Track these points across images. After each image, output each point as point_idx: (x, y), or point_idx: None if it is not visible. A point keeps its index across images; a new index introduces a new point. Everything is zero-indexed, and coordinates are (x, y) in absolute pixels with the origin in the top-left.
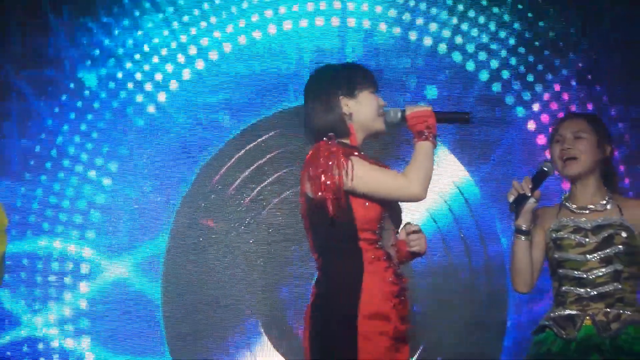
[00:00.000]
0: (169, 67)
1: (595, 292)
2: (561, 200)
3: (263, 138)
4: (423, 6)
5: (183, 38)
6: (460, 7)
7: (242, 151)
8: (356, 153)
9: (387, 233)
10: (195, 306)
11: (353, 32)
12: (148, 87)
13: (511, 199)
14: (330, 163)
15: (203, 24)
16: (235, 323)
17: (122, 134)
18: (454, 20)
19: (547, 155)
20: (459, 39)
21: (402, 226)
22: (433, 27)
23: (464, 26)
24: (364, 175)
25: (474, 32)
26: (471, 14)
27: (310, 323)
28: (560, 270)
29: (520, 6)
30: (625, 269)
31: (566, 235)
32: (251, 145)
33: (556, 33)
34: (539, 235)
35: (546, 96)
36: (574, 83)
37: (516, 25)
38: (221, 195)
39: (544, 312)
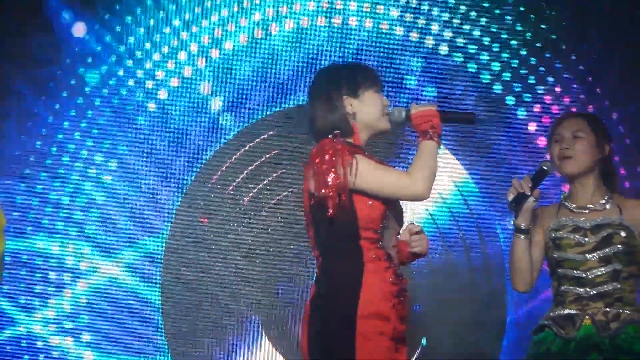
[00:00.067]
0: (170, 65)
1: (594, 292)
2: (560, 199)
3: (262, 137)
4: (425, 7)
5: (184, 35)
6: (462, 8)
7: (241, 151)
8: (360, 152)
9: (389, 233)
10: (194, 305)
11: (353, 32)
12: (149, 85)
13: (510, 197)
14: (335, 160)
15: (204, 22)
16: (235, 322)
17: (123, 132)
18: (456, 21)
19: (547, 155)
20: (460, 40)
21: (404, 227)
22: (434, 27)
23: (466, 27)
24: (368, 174)
25: (476, 33)
26: (473, 14)
27: (308, 322)
28: (560, 270)
29: (522, 8)
30: (624, 269)
31: (565, 235)
32: (250, 144)
33: (558, 35)
34: (539, 235)
35: (547, 98)
36: (574, 86)
37: (518, 27)
38: (220, 195)
39: (543, 312)
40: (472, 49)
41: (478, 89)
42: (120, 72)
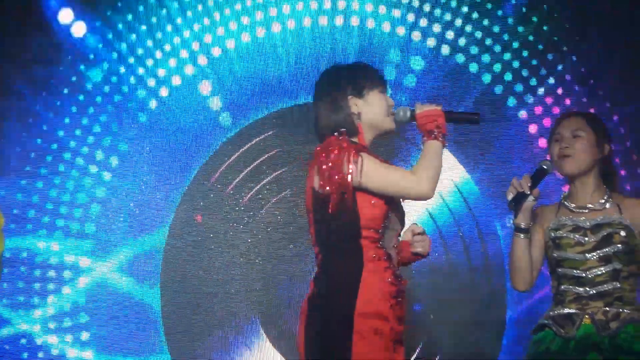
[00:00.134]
0: (171, 63)
1: (594, 291)
2: (560, 199)
3: (261, 137)
4: (427, 7)
5: (186, 34)
6: (464, 9)
7: (241, 150)
8: (366, 150)
9: (390, 234)
10: (193, 304)
11: (354, 32)
12: (149, 83)
13: (510, 197)
14: (340, 158)
15: (206, 20)
16: (234, 321)
17: (123, 130)
18: (458, 22)
19: (548, 156)
20: (462, 41)
21: (407, 227)
22: (436, 28)
23: (468, 28)
24: (373, 172)
25: (478, 34)
26: (475, 16)
27: (306, 319)
28: (560, 269)
29: (524, 9)
30: (624, 268)
31: (565, 234)
32: (250, 144)
33: (559, 36)
34: (538, 234)
35: (548, 99)
36: (576, 87)
37: (520, 29)
38: (220, 194)
39: (542, 311)
40: (474, 50)
41: (479, 89)
42: (122, 70)
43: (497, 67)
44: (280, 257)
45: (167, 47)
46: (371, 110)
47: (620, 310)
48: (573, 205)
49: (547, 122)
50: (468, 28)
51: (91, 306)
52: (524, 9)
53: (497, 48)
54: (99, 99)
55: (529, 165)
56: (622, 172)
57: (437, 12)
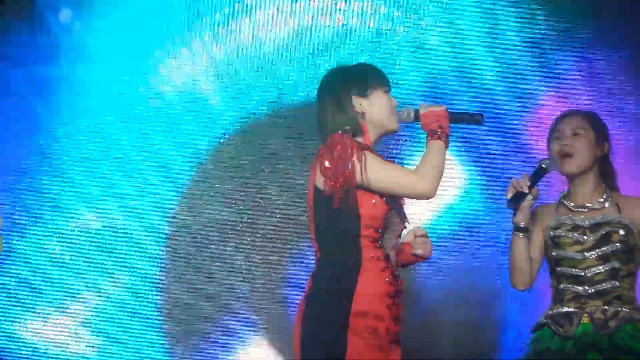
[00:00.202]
0: (165, 66)
1: (593, 290)
2: (559, 198)
3: (262, 136)
4: (426, 6)
5: (186, 32)
6: (464, 7)
7: (240, 149)
8: (369, 149)
9: (390, 234)
10: (192, 305)
11: (354, 32)
12: (148, 82)
13: (509, 196)
14: (344, 155)
15: (206, 19)
16: (233, 321)
17: (122, 129)
18: (458, 20)
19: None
20: (461, 39)
21: (410, 229)
22: (438, 28)
23: (468, 25)
24: (377, 170)
25: (478, 31)
26: (475, 13)
27: (302, 316)
28: (559, 268)
29: (526, 9)
30: (623, 267)
31: (564, 233)
32: (250, 143)
33: (560, 33)
34: (537, 233)
35: (549, 99)
36: (578, 87)
37: (521, 28)
38: (220, 193)
39: (542, 311)
40: (474, 48)
41: (479, 87)
42: (120, 69)
43: (498, 67)
44: (280, 256)
45: (168, 46)
46: (375, 109)
47: (619, 309)
48: (572, 204)
49: (547, 121)
50: (469, 26)
51: (88, 306)
52: (525, 7)
53: (498, 47)
54: (96, 98)
55: (530, 165)
56: (622, 171)
57: (438, 10)
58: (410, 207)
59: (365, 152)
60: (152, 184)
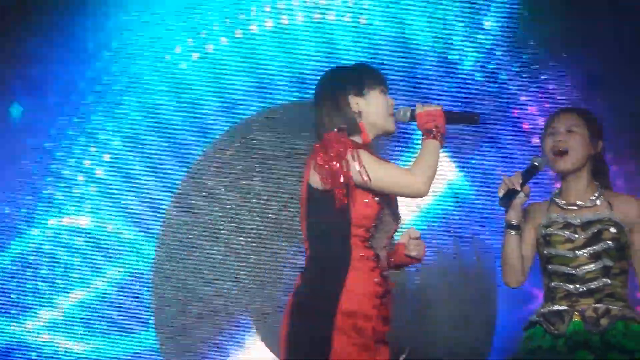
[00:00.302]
0: (161, 63)
1: (584, 288)
2: (551, 196)
3: (254, 134)
4: (420, 4)
5: (181, 30)
6: (456, 6)
7: (233, 148)
8: (363, 147)
9: (381, 234)
10: (186, 303)
11: (350, 30)
12: (139, 85)
13: (501, 193)
14: (340, 153)
15: (199, 17)
16: (227, 319)
17: (115, 129)
18: (450, 18)
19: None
20: (455, 38)
21: (404, 231)
22: (430, 26)
23: (459, 24)
24: (376, 169)
25: (470, 30)
26: (466, 12)
27: (289, 313)
28: (550, 266)
29: (516, 5)
30: (615, 265)
31: (556, 231)
32: (242, 141)
33: (551, 32)
34: (529, 231)
35: (540, 96)
36: (567, 84)
37: (511, 24)
38: (212, 192)
39: (534, 309)
40: (465, 46)
41: (472, 86)
42: (114, 69)
43: (491, 65)
44: (273, 254)
45: (160, 45)
46: (372, 109)
47: (611, 307)
48: (563, 202)
49: (540, 119)
50: (459, 24)
51: (83, 305)
52: (516, 6)
53: (490, 46)
54: (90, 98)
55: (522, 163)
56: (615, 169)
57: (430, 8)
58: (401, 205)
59: (360, 150)
60: (144, 182)
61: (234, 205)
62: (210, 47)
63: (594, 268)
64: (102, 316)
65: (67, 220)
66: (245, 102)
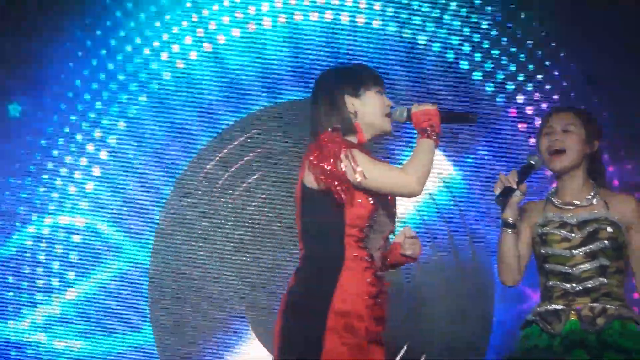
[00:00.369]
0: (157, 62)
1: (580, 287)
2: (547, 195)
3: (250, 134)
4: (416, 4)
5: (175, 29)
6: (453, 6)
7: (229, 147)
8: (357, 147)
9: (376, 235)
10: (181, 303)
11: (345, 29)
12: (135, 83)
13: (497, 191)
14: (334, 153)
15: (195, 17)
16: (223, 319)
17: (111, 127)
18: (447, 18)
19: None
20: (453, 38)
21: (401, 230)
22: (428, 25)
23: (456, 24)
24: (371, 170)
25: (467, 30)
26: (463, 12)
27: (282, 312)
28: (547, 265)
29: (512, 6)
30: (611, 264)
31: (552, 231)
32: (237, 141)
33: (548, 33)
34: (525, 230)
35: (536, 95)
36: (564, 83)
37: (509, 25)
38: (207, 192)
39: (531, 307)
40: (463, 46)
41: (468, 85)
42: (110, 66)
43: (488, 65)
44: (269, 254)
45: (156, 44)
46: (367, 109)
47: (607, 306)
48: (559, 201)
49: (536, 119)
50: (456, 24)
51: (78, 303)
52: (512, 5)
53: (485, 44)
54: (87, 96)
55: (519, 162)
56: (610, 169)
57: (426, 8)
58: (398, 204)
59: (354, 150)
60: (140, 182)
61: (229, 205)
62: (207, 46)
63: (590, 267)
64: (97, 315)
65: (63, 219)
66: (242, 100)
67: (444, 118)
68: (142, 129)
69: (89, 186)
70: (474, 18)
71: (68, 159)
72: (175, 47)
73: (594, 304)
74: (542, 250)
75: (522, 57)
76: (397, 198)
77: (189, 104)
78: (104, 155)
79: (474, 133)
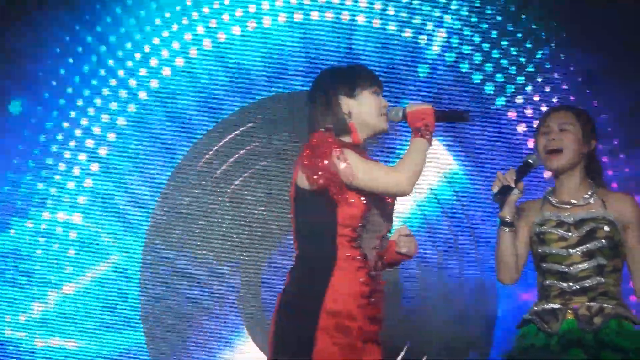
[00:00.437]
0: (156, 59)
1: (577, 286)
2: (545, 194)
3: (243, 129)
4: (417, 4)
5: (175, 27)
6: (454, 6)
7: (222, 143)
8: (349, 147)
9: (370, 235)
10: (175, 301)
11: (344, 27)
12: (133, 80)
13: (495, 189)
14: (326, 152)
15: (195, 14)
16: (218, 319)
17: (110, 124)
18: (447, 19)
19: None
20: (453, 40)
21: (397, 229)
22: (429, 26)
23: (456, 25)
24: (356, 168)
25: (467, 31)
26: (463, 13)
27: (277, 309)
28: (544, 264)
29: (512, 8)
30: (608, 263)
31: (549, 230)
32: (231, 136)
33: (548, 35)
34: (523, 229)
35: (536, 97)
36: (564, 86)
37: (509, 27)
38: (202, 188)
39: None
40: (463, 47)
41: (469, 85)
42: (110, 63)
43: (488, 67)
44: (264, 252)
45: (156, 41)
46: (363, 110)
47: (604, 305)
48: (556, 200)
49: (535, 119)
50: (456, 25)
51: (73, 302)
52: (512, 7)
53: (486, 46)
54: (87, 92)
55: (519, 160)
56: (609, 172)
57: (426, 8)
58: (399, 202)
59: (345, 150)
60: (136, 179)
61: (227, 204)
62: (206, 43)
63: (587, 266)
64: (90, 312)
65: (58, 215)
66: (237, 99)
67: (439, 117)
68: (137, 127)
69: (85, 184)
70: (474, 19)
71: (67, 154)
72: (176, 45)
73: (591, 303)
74: (539, 249)
75: (522, 59)
76: (397, 198)
77: (185, 101)
78: (102, 151)
79: (476, 131)
